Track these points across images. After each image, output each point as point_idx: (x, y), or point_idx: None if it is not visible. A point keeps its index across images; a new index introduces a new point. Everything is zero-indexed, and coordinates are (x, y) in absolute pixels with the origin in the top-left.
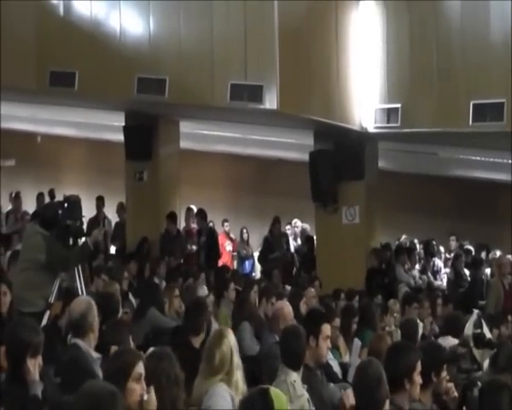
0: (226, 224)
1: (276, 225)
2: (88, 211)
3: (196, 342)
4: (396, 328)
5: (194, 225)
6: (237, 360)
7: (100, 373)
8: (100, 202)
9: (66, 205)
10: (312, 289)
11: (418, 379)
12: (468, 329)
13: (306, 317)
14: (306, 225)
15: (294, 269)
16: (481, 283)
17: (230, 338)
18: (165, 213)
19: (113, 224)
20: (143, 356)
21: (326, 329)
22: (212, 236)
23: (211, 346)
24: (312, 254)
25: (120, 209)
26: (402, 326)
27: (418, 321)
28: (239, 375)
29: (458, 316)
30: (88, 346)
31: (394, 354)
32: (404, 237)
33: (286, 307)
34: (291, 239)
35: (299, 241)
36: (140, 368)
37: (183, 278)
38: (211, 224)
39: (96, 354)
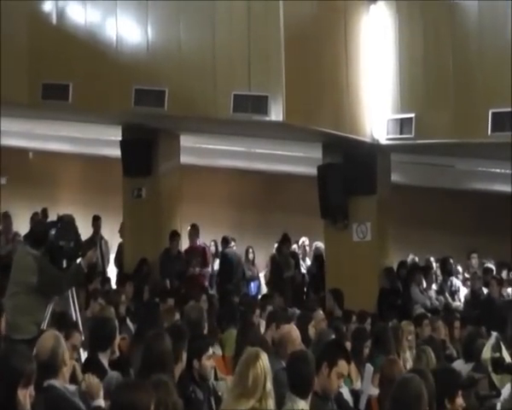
0: (233, 243)
1: (286, 243)
2: (84, 231)
3: (175, 371)
4: (411, 351)
5: (200, 243)
6: (270, 386)
7: (80, 404)
8: (96, 221)
9: (59, 225)
10: (321, 312)
11: None
12: (486, 353)
13: (326, 344)
14: (320, 244)
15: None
16: (493, 303)
17: (265, 361)
18: (166, 232)
19: (109, 244)
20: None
21: (343, 366)
22: (228, 262)
23: (245, 364)
24: (322, 274)
25: (123, 229)
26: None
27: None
28: (271, 404)
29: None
30: (63, 382)
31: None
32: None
33: (293, 330)
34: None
35: (307, 261)
36: (152, 407)
37: (183, 300)
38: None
39: (71, 387)
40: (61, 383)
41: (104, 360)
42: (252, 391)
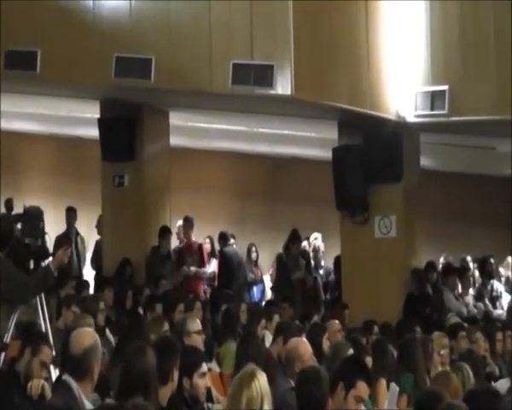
0: (232, 240)
1: (296, 242)
2: (56, 226)
3: (163, 393)
4: (444, 368)
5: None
6: None
7: None
8: (70, 214)
9: (25, 219)
10: (337, 322)
11: None
12: None
13: (343, 361)
14: (320, 242)
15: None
16: None
17: (262, 382)
18: (152, 227)
19: (86, 241)
20: None
21: (362, 388)
22: (227, 263)
23: (238, 385)
24: (338, 277)
25: (101, 224)
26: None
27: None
28: None
29: None
30: (82, 391)
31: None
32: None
33: (302, 344)
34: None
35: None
36: None
37: (172, 306)
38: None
39: (89, 405)
40: (78, 388)
41: None
42: None
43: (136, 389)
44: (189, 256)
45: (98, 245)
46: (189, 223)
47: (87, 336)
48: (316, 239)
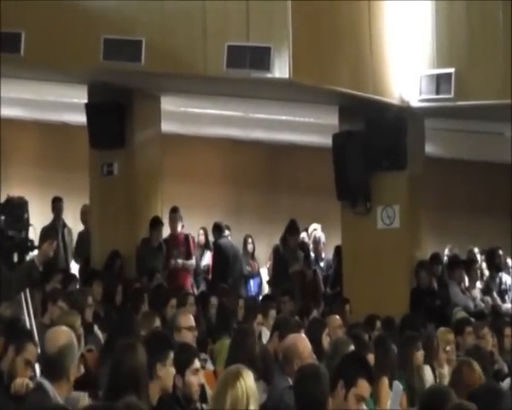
0: (227, 232)
1: (294, 233)
2: (42, 216)
3: (154, 389)
4: (450, 365)
5: (180, 230)
6: None
7: None
8: (57, 204)
9: (7, 210)
10: (337, 317)
11: None
12: None
13: (343, 358)
14: (320, 233)
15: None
16: None
17: (248, 382)
18: (143, 217)
19: (74, 234)
20: None
21: (363, 386)
22: (222, 255)
23: (222, 384)
24: (339, 269)
25: (85, 214)
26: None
27: None
28: None
29: None
30: (57, 393)
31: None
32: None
33: (300, 341)
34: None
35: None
36: None
37: (165, 301)
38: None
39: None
40: (54, 390)
41: None
42: None
43: (127, 388)
44: (176, 248)
45: (81, 237)
46: (174, 214)
47: (62, 334)
48: (315, 230)
